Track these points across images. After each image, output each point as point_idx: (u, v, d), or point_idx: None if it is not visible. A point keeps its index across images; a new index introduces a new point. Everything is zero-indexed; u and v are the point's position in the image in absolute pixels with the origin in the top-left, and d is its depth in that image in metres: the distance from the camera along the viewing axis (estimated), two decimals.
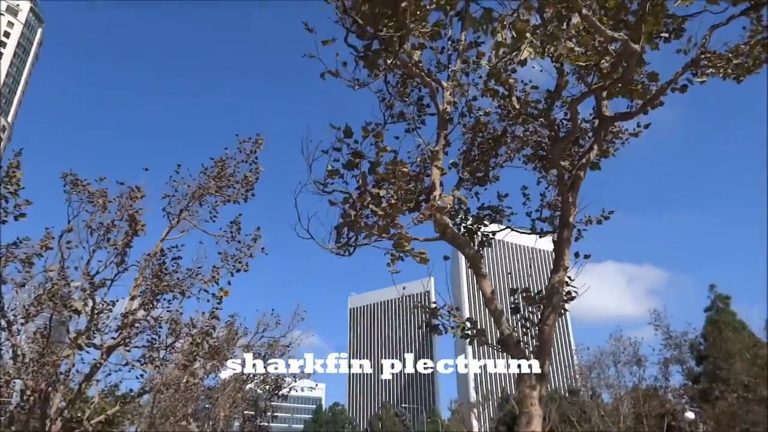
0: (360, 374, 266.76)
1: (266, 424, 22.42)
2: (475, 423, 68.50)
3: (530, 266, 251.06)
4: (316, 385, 24.95)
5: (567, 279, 7.07)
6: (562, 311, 7.02)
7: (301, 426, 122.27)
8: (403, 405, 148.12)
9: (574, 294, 7.15)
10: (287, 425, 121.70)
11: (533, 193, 10.06)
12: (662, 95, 7.10)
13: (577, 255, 7.25)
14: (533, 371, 6.68)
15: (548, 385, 6.90)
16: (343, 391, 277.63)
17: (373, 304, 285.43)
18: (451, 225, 7.09)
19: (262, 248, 13.59)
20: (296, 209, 6.15)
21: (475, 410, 66.00)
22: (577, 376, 56.73)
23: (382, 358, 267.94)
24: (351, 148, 5.98)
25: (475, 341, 6.86)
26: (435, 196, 7.04)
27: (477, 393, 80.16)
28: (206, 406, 20.54)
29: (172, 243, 13.16)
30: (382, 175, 5.59)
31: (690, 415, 41.07)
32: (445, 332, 7.15)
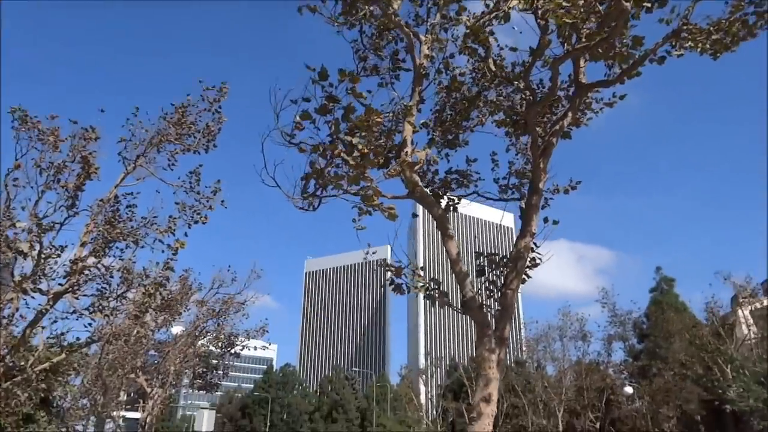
0: (312, 337, 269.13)
1: (217, 381, 22.24)
2: (422, 388, 69.95)
3: (495, 241, 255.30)
4: (270, 344, 24.83)
5: (533, 245, 7.05)
6: (525, 277, 7.01)
7: (251, 385, 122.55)
8: (354, 369, 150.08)
9: (538, 261, 7.14)
10: (236, 384, 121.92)
11: (502, 160, 10.00)
12: (641, 65, 7.04)
13: (546, 220, 7.22)
14: (493, 335, 6.68)
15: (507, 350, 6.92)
16: (294, 353, 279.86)
17: (330, 268, 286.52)
18: (420, 183, 6.95)
19: (222, 201, 13.20)
20: (262, 154, 5.88)
21: (424, 376, 67.34)
22: (524, 348, 58.35)
23: (336, 322, 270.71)
24: (326, 91, 5.69)
25: (437, 302, 6.79)
26: (406, 153, 6.86)
27: (426, 360, 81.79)
28: (156, 360, 20.20)
29: (127, 190, 12.64)
30: (356, 122, 5.34)
31: (629, 389, 42.92)
32: (408, 292, 7.07)
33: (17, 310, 10.69)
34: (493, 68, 8.21)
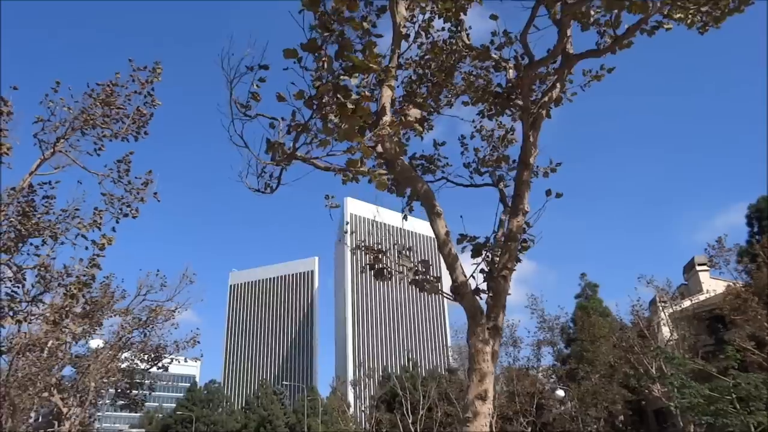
0: (237, 351, 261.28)
1: (143, 397, 20.37)
2: (351, 399, 68.87)
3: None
4: (201, 356, 22.90)
5: (525, 225, 6.42)
6: (517, 260, 6.35)
7: (173, 404, 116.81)
8: (284, 382, 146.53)
9: (530, 243, 6.52)
10: (157, 403, 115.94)
11: (471, 146, 9.40)
12: (632, 36, 6.64)
13: (548, 193, 6.59)
14: (486, 324, 5.96)
15: (501, 339, 6.21)
16: (218, 369, 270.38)
17: (256, 281, 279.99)
18: (401, 156, 6.17)
19: (155, 193, 11.87)
20: (232, 101, 4.85)
21: (356, 388, 66.24)
22: (456, 356, 58.58)
23: (262, 336, 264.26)
24: (317, 21, 4.76)
25: (427, 289, 6.00)
26: (384, 121, 6.07)
27: (357, 371, 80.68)
28: (74, 376, 18.18)
29: (44, 179, 11.10)
30: (357, 61, 4.47)
31: (560, 393, 43.70)
32: (391, 277, 6.23)
33: None
34: (468, 41, 7.60)
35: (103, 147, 11.46)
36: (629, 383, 42.53)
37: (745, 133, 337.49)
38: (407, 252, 5.98)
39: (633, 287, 71.06)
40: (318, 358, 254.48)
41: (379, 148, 6.02)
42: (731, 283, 35.81)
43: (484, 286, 6.03)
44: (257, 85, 6.73)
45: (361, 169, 5.10)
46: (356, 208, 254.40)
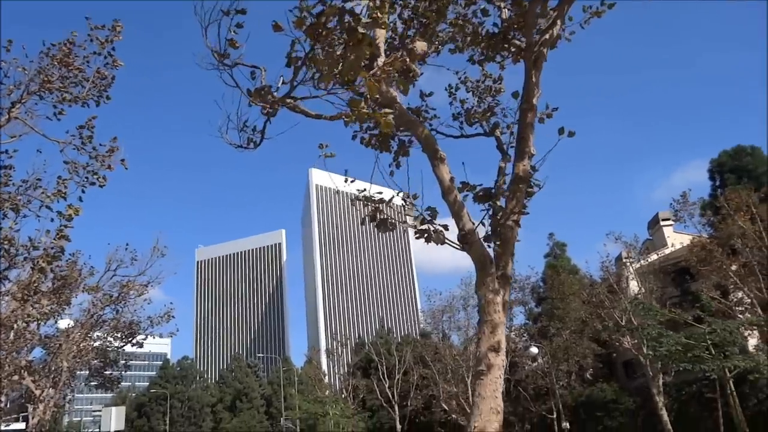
0: (208, 327, 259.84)
1: (118, 376, 19.78)
2: (324, 367, 69.22)
3: None
4: (177, 330, 22.22)
5: (531, 169, 6.09)
6: (524, 208, 6.03)
7: (146, 383, 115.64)
8: (258, 354, 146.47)
9: (535, 189, 6.20)
10: (129, 383, 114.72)
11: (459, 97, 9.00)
12: None
13: (560, 131, 6.24)
14: (496, 273, 5.67)
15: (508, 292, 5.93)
16: (189, 346, 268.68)
17: (222, 256, 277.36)
18: (398, 99, 5.74)
19: (122, 160, 11.16)
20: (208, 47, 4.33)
21: (331, 357, 66.48)
22: (429, 320, 59.06)
23: (232, 310, 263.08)
24: None
25: (433, 239, 5.65)
26: (378, 63, 5.63)
27: (331, 340, 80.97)
28: (44, 357, 17.45)
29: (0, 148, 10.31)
30: None
31: (534, 350, 44.59)
32: (393, 228, 5.84)
33: None
34: None
35: (63, 112, 10.67)
36: (600, 337, 43.67)
37: (700, 96, 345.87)
38: (412, 199, 5.59)
39: (602, 244, 72.69)
40: (289, 330, 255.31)
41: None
42: (695, 237, 36.74)
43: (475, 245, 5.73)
44: (234, 31, 6.19)
45: (364, 110, 4.67)
46: (321, 179, 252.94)
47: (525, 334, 52.03)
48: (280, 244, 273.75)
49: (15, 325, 13.36)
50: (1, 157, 10.32)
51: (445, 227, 5.67)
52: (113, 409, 14.02)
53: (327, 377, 68.68)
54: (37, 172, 10.64)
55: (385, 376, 57.11)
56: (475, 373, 5.62)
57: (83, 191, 10.53)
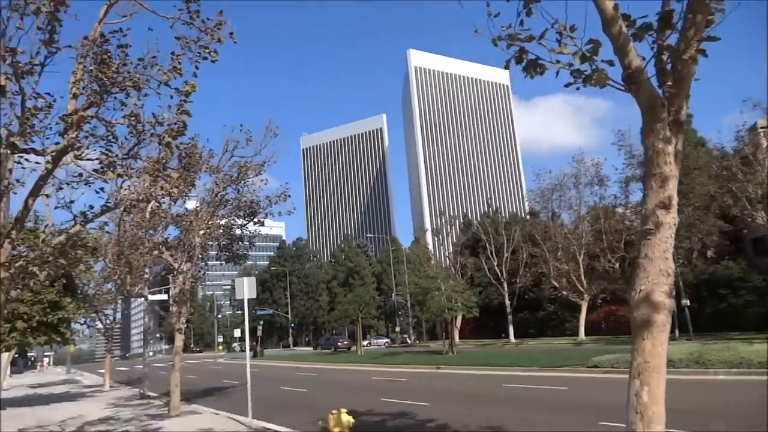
0: (317, 211, 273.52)
1: (245, 250, 20.99)
2: (430, 246, 70.69)
3: (493, 102, 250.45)
4: (294, 209, 23.32)
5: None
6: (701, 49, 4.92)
7: (266, 263, 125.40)
8: (368, 234, 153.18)
9: (715, 16, 5.03)
10: (252, 262, 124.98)
11: None
12: None
13: None
14: (667, 118, 4.78)
15: None
16: (301, 229, 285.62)
17: (327, 143, 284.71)
18: None
19: (231, 33, 10.75)
20: None
21: (438, 236, 67.62)
22: (538, 199, 57.59)
23: (338, 194, 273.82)
24: None
25: (594, 79, 4.81)
26: None
27: (433, 221, 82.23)
28: (180, 236, 18.74)
29: (113, 27, 10.19)
30: None
31: None
32: (542, 72, 4.98)
33: (11, 172, 8.81)
34: None
35: None
36: (728, 213, 40.68)
37: None
38: (569, 32, 4.65)
39: (738, 112, 65.88)
40: (394, 212, 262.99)
41: None
42: None
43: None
44: None
45: None
46: (420, 59, 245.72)
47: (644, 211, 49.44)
48: (381, 128, 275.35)
49: (150, 206, 14.22)
50: (116, 35, 10.25)
51: (610, 63, 4.77)
52: (245, 279, 14.86)
53: (434, 257, 70.55)
54: (151, 50, 10.55)
55: (493, 254, 57.52)
56: (641, 232, 4.94)
57: (197, 67, 10.34)
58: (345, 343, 68.94)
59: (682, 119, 4.98)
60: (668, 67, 4.93)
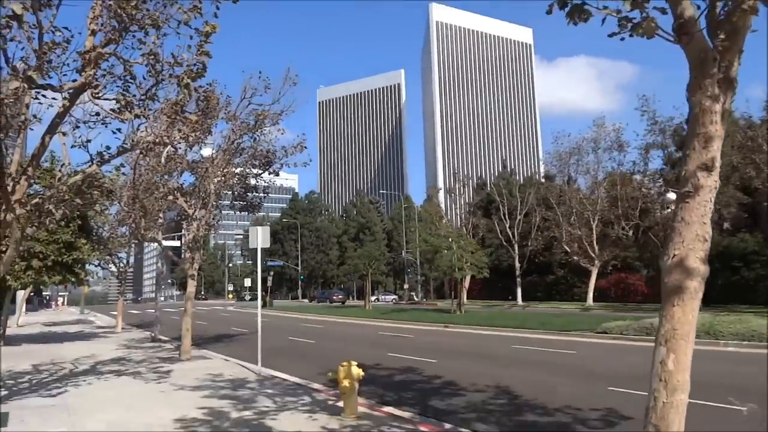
0: (331, 165, 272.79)
1: (259, 200, 20.94)
2: (443, 205, 70.50)
3: (514, 59, 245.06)
4: (310, 161, 22.94)
5: None
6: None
7: (278, 214, 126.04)
8: (381, 191, 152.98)
9: None
10: (263, 213, 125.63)
11: None
12: None
13: None
14: (717, 74, 4.49)
15: None
16: (314, 182, 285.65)
17: (343, 96, 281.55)
18: None
19: None
20: None
21: (450, 195, 67.30)
22: (554, 163, 56.82)
23: (353, 148, 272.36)
24: None
25: (643, 28, 4.52)
26: None
27: (446, 180, 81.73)
28: (195, 183, 18.65)
29: None
30: None
31: (671, 196, 41.89)
32: (586, 18, 4.68)
33: (28, 107, 8.66)
34: None
35: None
36: (749, 185, 39.93)
37: None
38: None
39: (765, 78, 63.83)
40: (408, 169, 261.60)
41: None
42: None
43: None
44: None
45: None
46: (442, 14, 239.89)
47: (660, 180, 48.60)
48: (399, 84, 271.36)
49: (166, 150, 14.08)
50: None
51: (663, 11, 4.46)
52: (259, 228, 14.83)
53: (446, 216, 70.41)
54: None
55: (506, 216, 57.24)
56: (680, 194, 4.69)
57: (218, 7, 10.01)
58: (340, 297, 71.91)
59: (732, 76, 4.68)
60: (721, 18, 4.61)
